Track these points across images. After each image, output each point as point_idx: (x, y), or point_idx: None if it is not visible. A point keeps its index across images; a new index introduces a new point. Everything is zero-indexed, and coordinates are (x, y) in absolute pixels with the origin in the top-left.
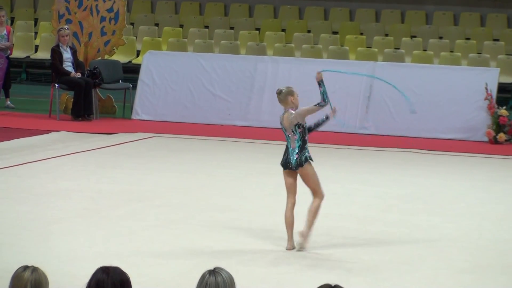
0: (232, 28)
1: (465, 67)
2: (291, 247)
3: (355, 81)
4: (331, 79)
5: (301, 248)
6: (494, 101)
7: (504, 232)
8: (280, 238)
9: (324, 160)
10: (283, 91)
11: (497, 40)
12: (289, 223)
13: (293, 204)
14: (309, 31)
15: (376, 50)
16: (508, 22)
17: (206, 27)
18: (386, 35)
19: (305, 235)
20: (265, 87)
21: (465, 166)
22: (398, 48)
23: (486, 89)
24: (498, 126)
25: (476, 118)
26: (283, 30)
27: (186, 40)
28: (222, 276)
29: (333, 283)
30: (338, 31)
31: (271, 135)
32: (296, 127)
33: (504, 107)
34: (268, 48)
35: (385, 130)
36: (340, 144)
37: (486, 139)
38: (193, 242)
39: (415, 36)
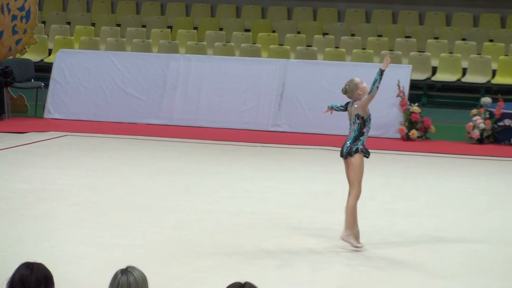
0: (144, 26)
1: (377, 64)
2: (343, 235)
3: (267, 78)
4: (243, 75)
5: (357, 249)
6: (406, 98)
7: (416, 228)
8: (191, 236)
9: (236, 158)
10: (348, 88)
11: (409, 37)
12: (346, 212)
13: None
14: (221, 29)
15: (288, 47)
16: (420, 19)
17: (118, 25)
18: (298, 32)
19: (345, 239)
20: (177, 85)
21: (378, 163)
22: (310, 46)
23: (398, 86)
24: (411, 123)
25: (388, 115)
26: (195, 28)
27: (98, 38)
28: (134, 275)
29: (243, 280)
30: (250, 28)
31: (183, 133)
32: (356, 118)
33: (416, 104)
34: (180, 46)
35: (297, 127)
36: (253, 142)
37: (398, 136)
38: (106, 241)
39: (327, 34)
